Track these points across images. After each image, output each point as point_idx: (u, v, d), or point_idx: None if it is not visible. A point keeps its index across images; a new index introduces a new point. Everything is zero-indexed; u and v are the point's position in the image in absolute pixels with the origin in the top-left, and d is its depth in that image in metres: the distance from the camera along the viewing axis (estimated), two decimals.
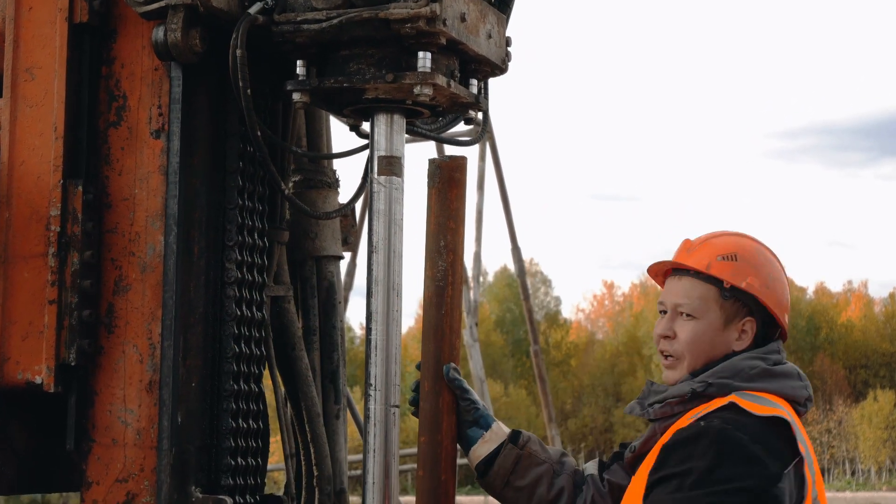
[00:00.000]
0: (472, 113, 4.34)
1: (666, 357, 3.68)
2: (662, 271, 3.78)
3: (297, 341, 4.74)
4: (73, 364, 4.06)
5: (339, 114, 4.28)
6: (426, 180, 4.01)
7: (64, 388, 4.10)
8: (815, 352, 66.65)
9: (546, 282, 72.63)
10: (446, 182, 3.98)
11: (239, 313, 4.22)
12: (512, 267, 20.15)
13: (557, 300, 74.77)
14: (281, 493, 4.72)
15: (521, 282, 19.94)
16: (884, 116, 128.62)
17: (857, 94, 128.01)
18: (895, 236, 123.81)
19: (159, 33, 3.98)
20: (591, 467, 3.99)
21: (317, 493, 4.76)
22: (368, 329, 4.03)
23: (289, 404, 4.82)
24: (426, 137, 4.59)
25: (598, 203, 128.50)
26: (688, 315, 3.63)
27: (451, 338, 3.95)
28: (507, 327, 67.10)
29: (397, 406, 4.02)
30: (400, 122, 4.11)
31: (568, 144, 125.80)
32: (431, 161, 3.99)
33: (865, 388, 63.34)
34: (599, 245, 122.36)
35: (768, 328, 3.63)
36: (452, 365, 3.93)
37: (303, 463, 4.80)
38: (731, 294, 3.59)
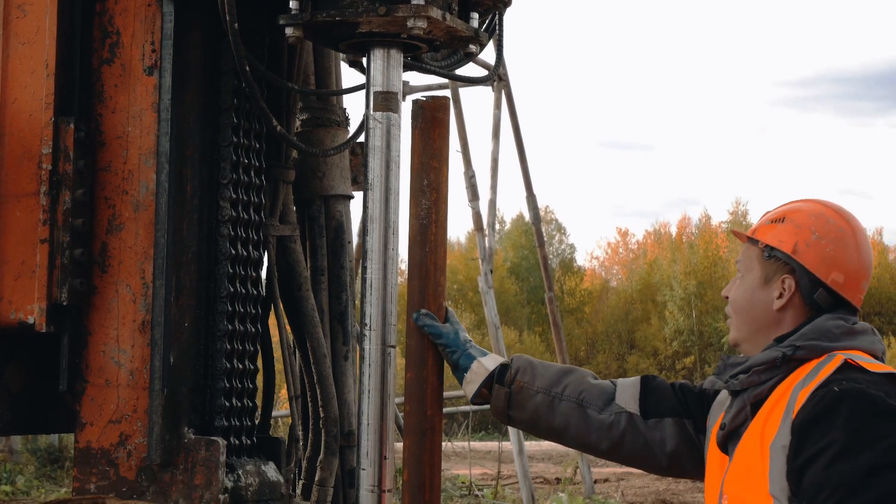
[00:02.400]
0: (472, 48, 4.25)
1: (727, 318, 3.70)
2: None
3: (304, 281, 4.69)
4: (65, 304, 4.03)
5: (336, 48, 4.20)
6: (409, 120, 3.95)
7: (56, 328, 4.06)
8: None
9: (561, 229, 72.49)
10: (429, 122, 3.92)
11: (233, 252, 4.17)
12: (527, 214, 20.04)
13: (572, 247, 74.68)
14: (285, 435, 4.69)
15: (535, 229, 19.84)
16: (895, 65, 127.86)
17: (869, 42, 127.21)
18: None
19: None
20: (628, 400, 3.83)
21: (323, 434, 4.72)
22: (364, 268, 3.97)
23: (295, 345, 4.77)
24: (435, 73, 4.50)
25: (611, 151, 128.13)
26: (740, 275, 3.66)
27: (436, 275, 3.90)
28: (522, 274, 67.04)
29: (393, 346, 3.97)
30: (397, 56, 4.03)
31: (580, 93, 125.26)
32: (414, 101, 3.93)
33: (880, 334, 63.39)
34: (613, 193, 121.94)
35: (827, 290, 3.56)
36: (422, 311, 3.87)
37: (309, 404, 4.76)
38: (771, 254, 3.57)
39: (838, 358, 3.37)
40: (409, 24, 3.86)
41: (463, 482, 20.83)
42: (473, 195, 17.90)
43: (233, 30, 3.93)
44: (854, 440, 3.19)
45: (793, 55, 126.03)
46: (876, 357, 3.51)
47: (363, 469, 3.95)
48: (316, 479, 4.69)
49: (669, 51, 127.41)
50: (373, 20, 3.90)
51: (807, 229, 3.58)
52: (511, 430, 18.10)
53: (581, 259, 75.12)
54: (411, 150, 3.93)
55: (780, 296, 3.56)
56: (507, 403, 3.88)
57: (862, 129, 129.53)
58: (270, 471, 4.27)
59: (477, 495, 19.41)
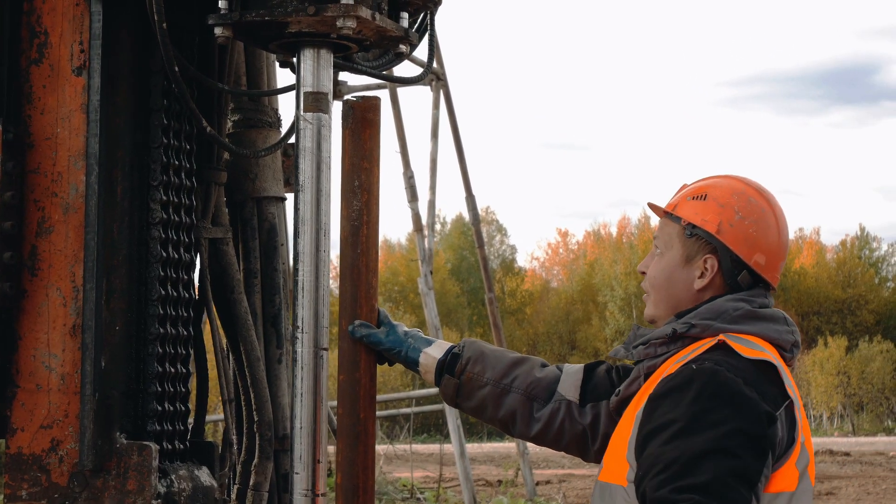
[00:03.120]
0: (402, 48, 4.23)
1: (644, 294, 3.69)
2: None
3: (236, 284, 4.66)
4: None
5: (266, 49, 4.17)
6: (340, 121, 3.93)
7: None
8: None
9: (501, 230, 72.69)
10: (359, 122, 3.90)
11: (164, 255, 4.12)
12: (467, 215, 20.04)
13: (513, 248, 74.97)
14: (220, 439, 4.65)
15: (475, 230, 19.88)
16: (834, 65, 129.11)
17: (807, 42, 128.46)
18: (845, 184, 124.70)
19: None
20: (569, 388, 3.82)
21: (257, 438, 4.69)
22: (296, 270, 3.95)
23: (228, 349, 4.74)
24: (367, 73, 4.47)
25: (551, 151, 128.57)
26: (658, 251, 3.63)
27: (368, 277, 3.89)
28: (462, 275, 67.16)
29: (326, 349, 3.94)
30: (327, 56, 4.00)
31: (520, 93, 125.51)
32: (344, 102, 3.91)
33: (817, 334, 63.87)
34: (552, 194, 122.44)
35: (749, 271, 3.56)
36: (356, 322, 3.85)
37: (243, 408, 4.73)
38: (693, 232, 3.55)
39: (718, 339, 3.37)
40: (339, 23, 3.84)
41: (405, 485, 20.83)
42: (413, 196, 17.91)
43: (161, 30, 3.89)
44: (695, 421, 3.19)
45: (731, 55, 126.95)
46: (779, 346, 3.47)
47: (297, 473, 3.92)
48: (250, 483, 4.66)
49: (608, 51, 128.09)
50: (302, 20, 3.87)
51: (730, 208, 3.55)
52: (452, 433, 18.10)
53: (522, 260, 75.30)
54: (342, 151, 3.91)
55: (702, 275, 3.54)
56: (455, 392, 3.89)
57: (800, 129, 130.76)
58: (204, 475, 4.23)
59: (419, 498, 19.41)
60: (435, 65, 4.42)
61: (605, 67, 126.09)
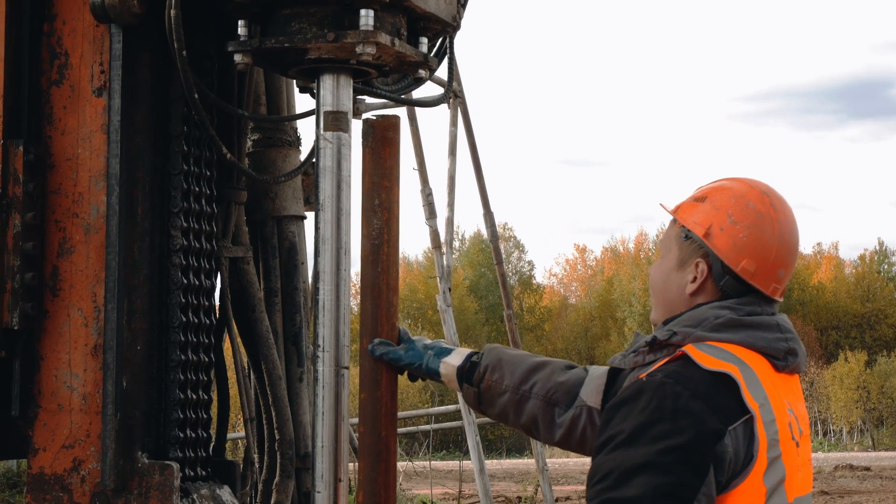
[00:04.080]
0: (422, 72, 4.24)
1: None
2: None
3: (258, 303, 4.67)
4: (16, 328, 3.99)
5: (286, 74, 4.18)
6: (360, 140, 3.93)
7: (8, 353, 4.03)
8: (787, 313, 66.56)
9: (519, 246, 72.66)
10: (379, 141, 3.90)
11: (185, 282, 4.13)
12: (485, 232, 19.99)
13: (531, 265, 74.81)
14: (241, 458, 4.65)
15: (493, 246, 19.77)
16: (850, 79, 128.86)
17: (823, 56, 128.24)
18: (863, 199, 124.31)
19: None
20: (591, 394, 3.77)
21: (278, 457, 4.69)
22: (316, 289, 3.95)
23: (250, 367, 4.74)
24: (386, 98, 4.48)
25: (567, 168, 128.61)
26: (662, 254, 3.59)
27: (389, 295, 3.88)
28: (481, 292, 67.12)
29: (347, 368, 3.94)
30: (346, 82, 4.01)
31: (536, 110, 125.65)
32: (364, 120, 3.91)
33: (836, 349, 63.63)
34: (569, 210, 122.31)
35: (735, 278, 3.49)
36: (375, 341, 3.84)
37: (265, 427, 4.73)
38: (688, 235, 3.50)
39: (685, 348, 3.32)
40: (358, 49, 3.85)
41: (423, 502, 20.79)
42: (431, 213, 17.86)
43: (181, 58, 3.90)
44: (637, 433, 3.17)
45: (747, 70, 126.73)
46: (769, 355, 3.39)
47: (318, 492, 3.93)
48: (272, 502, 4.66)
49: (624, 68, 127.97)
50: (321, 46, 3.88)
51: (724, 212, 3.47)
52: (472, 449, 18.06)
53: (540, 276, 75.16)
54: (362, 169, 3.90)
55: (694, 280, 3.47)
56: (477, 400, 3.87)
57: (816, 143, 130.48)
58: (225, 494, 4.23)
59: None
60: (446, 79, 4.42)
61: (622, 83, 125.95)
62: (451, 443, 43.85)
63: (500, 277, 20.10)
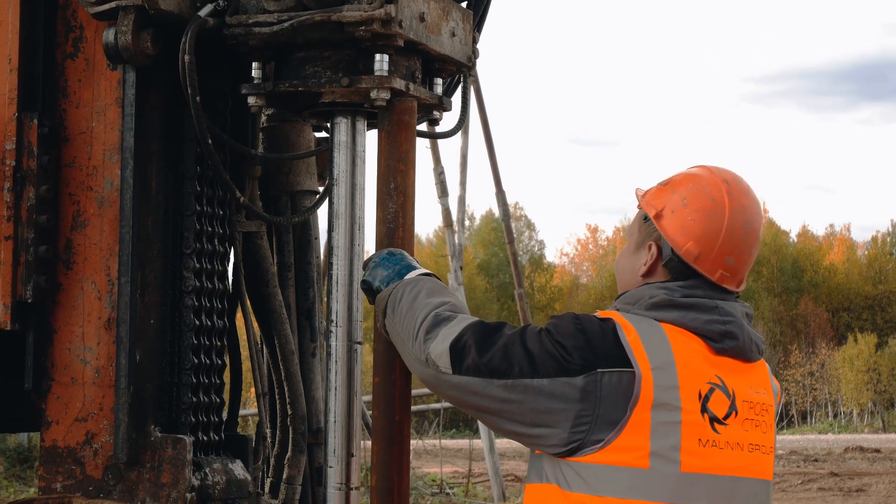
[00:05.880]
0: (436, 114, 4.24)
1: None
2: None
3: (271, 278, 4.66)
4: (30, 301, 3.99)
5: (300, 116, 4.19)
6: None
7: (21, 325, 4.03)
8: (799, 294, 66.88)
9: (531, 226, 72.62)
10: (395, 124, 3.89)
11: (199, 246, 4.13)
12: (496, 211, 19.99)
13: (542, 244, 74.82)
14: (253, 433, 4.66)
15: (505, 225, 19.77)
16: (861, 61, 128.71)
17: (834, 37, 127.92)
18: (875, 181, 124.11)
19: (109, 35, 3.86)
20: None
21: (291, 431, 4.69)
22: (330, 264, 3.95)
23: (262, 343, 4.74)
24: None
25: (578, 147, 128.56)
26: (626, 240, 3.66)
27: None
28: (491, 271, 67.15)
29: (360, 343, 3.95)
30: (361, 125, 4.03)
31: (548, 89, 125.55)
32: (379, 105, 3.90)
33: (848, 330, 63.59)
34: (581, 189, 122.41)
35: (679, 261, 3.50)
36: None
37: (277, 402, 4.73)
38: (647, 217, 3.54)
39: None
40: (373, 95, 3.84)
41: (434, 480, 20.84)
42: (443, 192, 17.87)
43: (195, 103, 3.89)
44: (519, 331, 3.36)
45: (758, 51, 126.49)
46: (704, 336, 3.39)
47: (331, 467, 3.94)
48: (284, 476, 4.66)
49: (636, 47, 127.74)
50: (336, 91, 3.88)
51: (678, 196, 3.50)
52: (482, 428, 18.09)
53: (551, 255, 75.20)
54: (377, 152, 3.90)
55: (646, 262, 3.51)
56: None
57: (827, 125, 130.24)
58: (238, 469, 4.24)
59: (448, 493, 19.41)
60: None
61: (633, 63, 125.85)
62: (461, 421, 43.93)
63: (512, 256, 20.11)
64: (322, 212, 4.78)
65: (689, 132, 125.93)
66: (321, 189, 4.88)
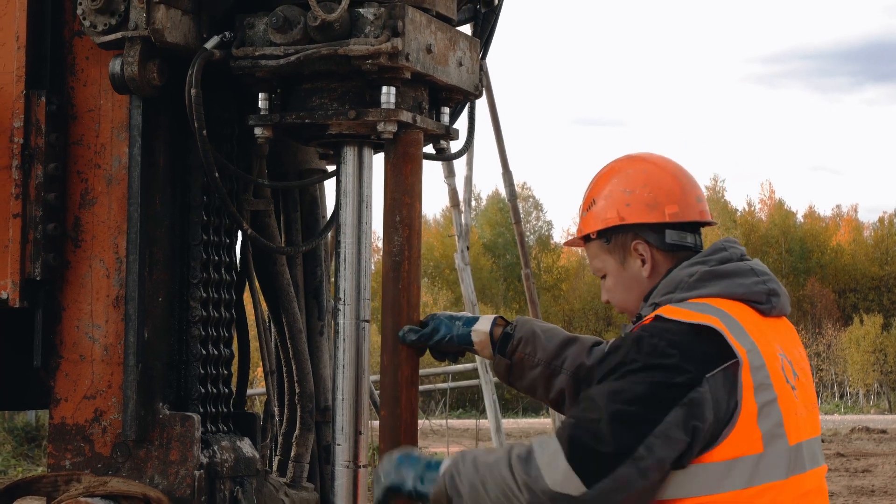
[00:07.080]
0: (443, 143, 4.24)
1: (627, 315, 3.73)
2: None
3: (278, 256, 4.66)
4: (38, 279, 4.00)
5: (307, 144, 4.18)
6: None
7: (30, 303, 4.04)
8: (807, 275, 66.85)
9: (538, 206, 72.51)
10: (401, 157, 3.87)
11: (205, 238, 4.14)
12: (503, 191, 19.95)
13: (549, 224, 74.78)
14: (261, 411, 4.66)
15: (511, 205, 19.67)
16: (866, 41, 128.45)
17: (839, 17, 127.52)
18: (882, 161, 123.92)
19: (116, 66, 3.86)
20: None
21: (299, 410, 4.70)
22: (337, 242, 3.95)
23: (270, 321, 4.75)
24: None
25: (584, 127, 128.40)
26: (602, 277, 3.68)
27: (409, 312, 3.87)
28: (498, 251, 67.09)
29: (367, 321, 3.95)
30: (368, 156, 4.04)
31: (553, 69, 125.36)
32: (386, 138, 3.89)
33: (854, 311, 63.55)
34: (588, 170, 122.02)
35: (671, 227, 3.55)
36: (406, 328, 3.84)
37: (285, 380, 4.74)
38: (607, 236, 3.60)
39: (658, 310, 3.39)
40: (380, 128, 3.84)
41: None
42: (449, 171, 17.82)
43: (201, 137, 3.88)
44: (613, 370, 3.29)
45: (763, 31, 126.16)
46: (750, 301, 3.43)
47: (338, 444, 3.95)
48: (291, 454, 4.67)
49: (641, 27, 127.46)
50: (342, 123, 3.88)
51: (617, 192, 3.58)
52: (489, 408, 18.10)
53: (558, 236, 74.96)
54: (384, 185, 3.90)
55: (643, 262, 3.56)
56: (507, 372, 3.91)
57: (833, 106, 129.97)
58: (246, 447, 4.24)
59: None
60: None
61: (638, 43, 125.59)
62: (467, 401, 43.95)
63: (518, 237, 20.08)
64: (329, 190, 4.79)
65: (693, 112, 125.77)
66: (328, 168, 4.88)
